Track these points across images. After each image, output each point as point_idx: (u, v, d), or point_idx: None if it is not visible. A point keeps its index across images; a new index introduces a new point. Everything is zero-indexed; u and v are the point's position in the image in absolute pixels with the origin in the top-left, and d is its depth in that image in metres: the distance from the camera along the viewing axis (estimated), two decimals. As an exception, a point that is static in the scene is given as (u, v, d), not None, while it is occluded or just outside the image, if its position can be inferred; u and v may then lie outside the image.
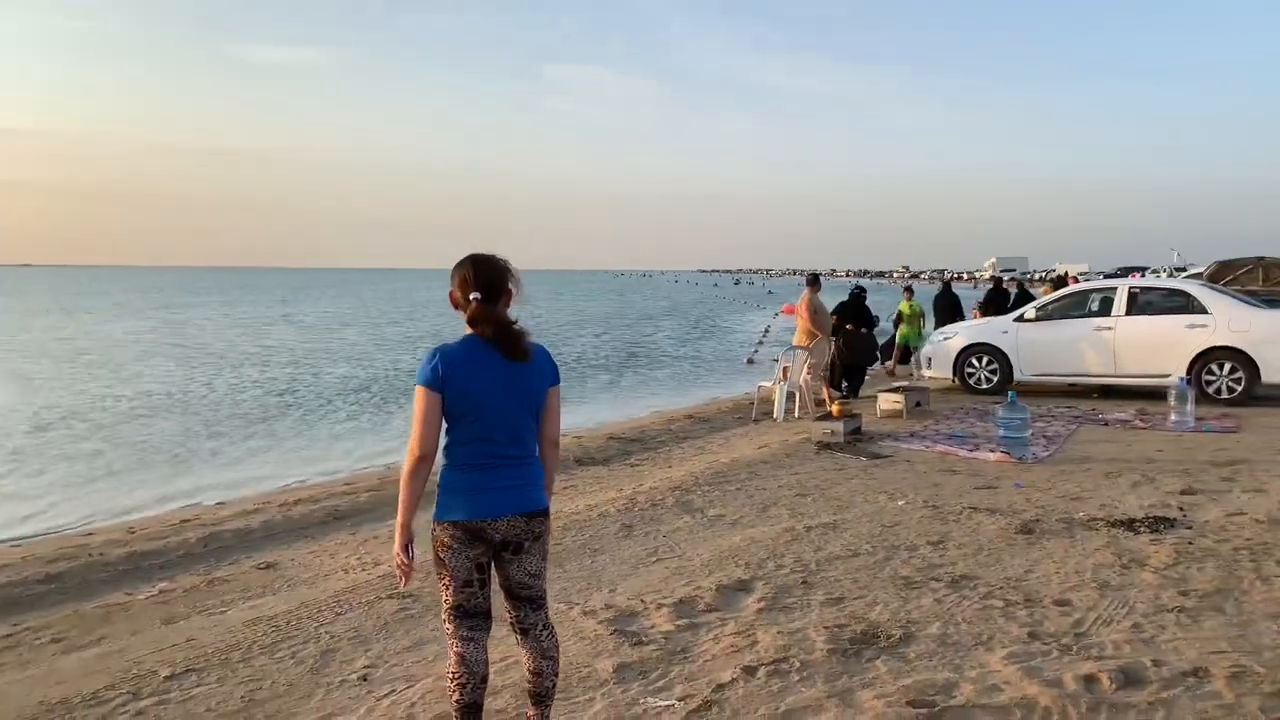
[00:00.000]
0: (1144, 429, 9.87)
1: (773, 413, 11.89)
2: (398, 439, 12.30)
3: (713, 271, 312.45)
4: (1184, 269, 18.75)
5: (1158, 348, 11.55)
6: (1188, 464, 7.76)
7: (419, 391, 2.63)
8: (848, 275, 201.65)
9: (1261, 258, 16.25)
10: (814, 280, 13.19)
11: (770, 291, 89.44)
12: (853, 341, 13.08)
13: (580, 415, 14.59)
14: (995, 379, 12.64)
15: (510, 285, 2.77)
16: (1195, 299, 11.56)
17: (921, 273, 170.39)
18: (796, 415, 11.64)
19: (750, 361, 22.26)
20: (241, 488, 9.49)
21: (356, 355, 24.08)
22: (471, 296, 2.68)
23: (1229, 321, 11.19)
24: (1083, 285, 13.43)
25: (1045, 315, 12.57)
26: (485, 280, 2.71)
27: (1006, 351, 12.57)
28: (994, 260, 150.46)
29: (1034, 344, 12.39)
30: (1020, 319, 12.70)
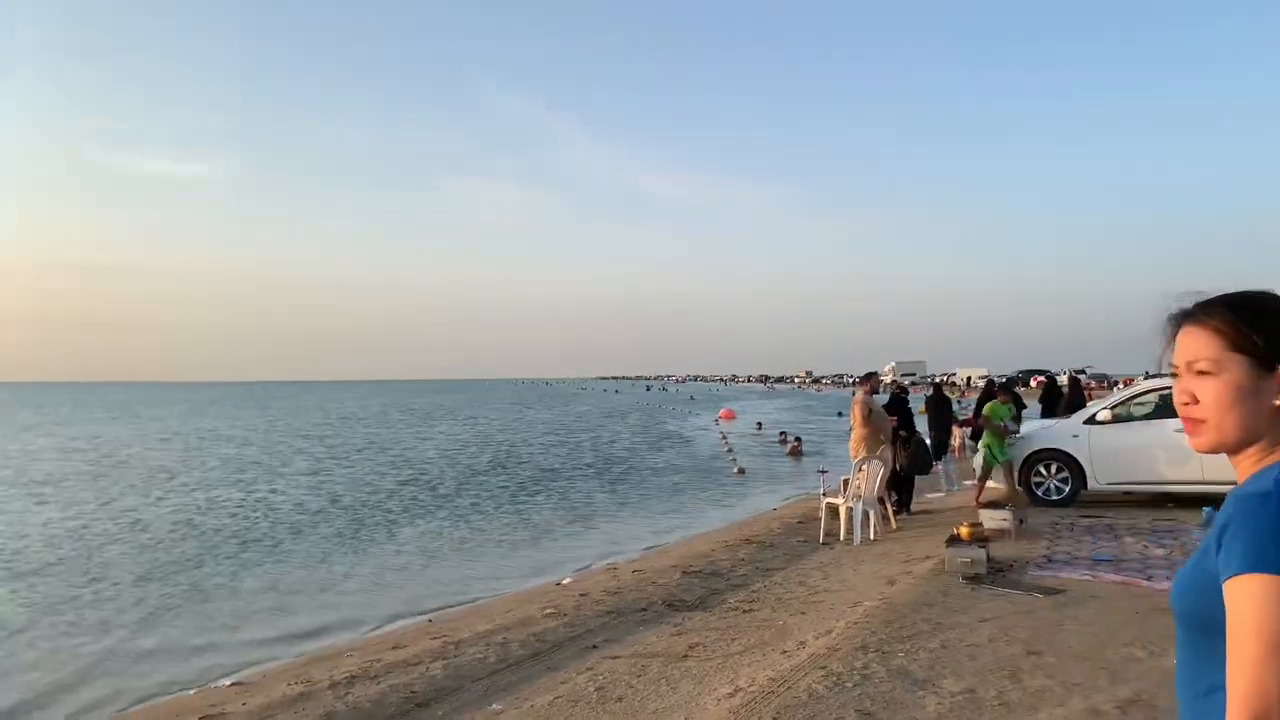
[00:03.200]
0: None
1: (840, 534, 10.50)
2: (398, 575, 10.48)
3: (614, 379, 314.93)
4: None
5: (1250, 450, 10.64)
6: None
7: (1273, 587, 1.15)
8: (749, 380, 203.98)
9: None
10: (868, 379, 12.03)
11: (692, 397, 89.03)
12: (913, 449, 11.88)
13: (615, 535, 13.02)
14: (1066, 489, 11.54)
15: None
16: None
17: (823, 378, 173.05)
18: (873, 537, 10.29)
19: (741, 471, 20.93)
20: (243, 653, 7.60)
21: (302, 472, 21.86)
22: None
23: None
24: (1155, 383, 12.53)
25: (1119, 417, 11.61)
26: None
27: (1079, 458, 11.50)
28: (893, 364, 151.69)
29: (1110, 449, 11.35)
30: (1092, 421, 11.70)
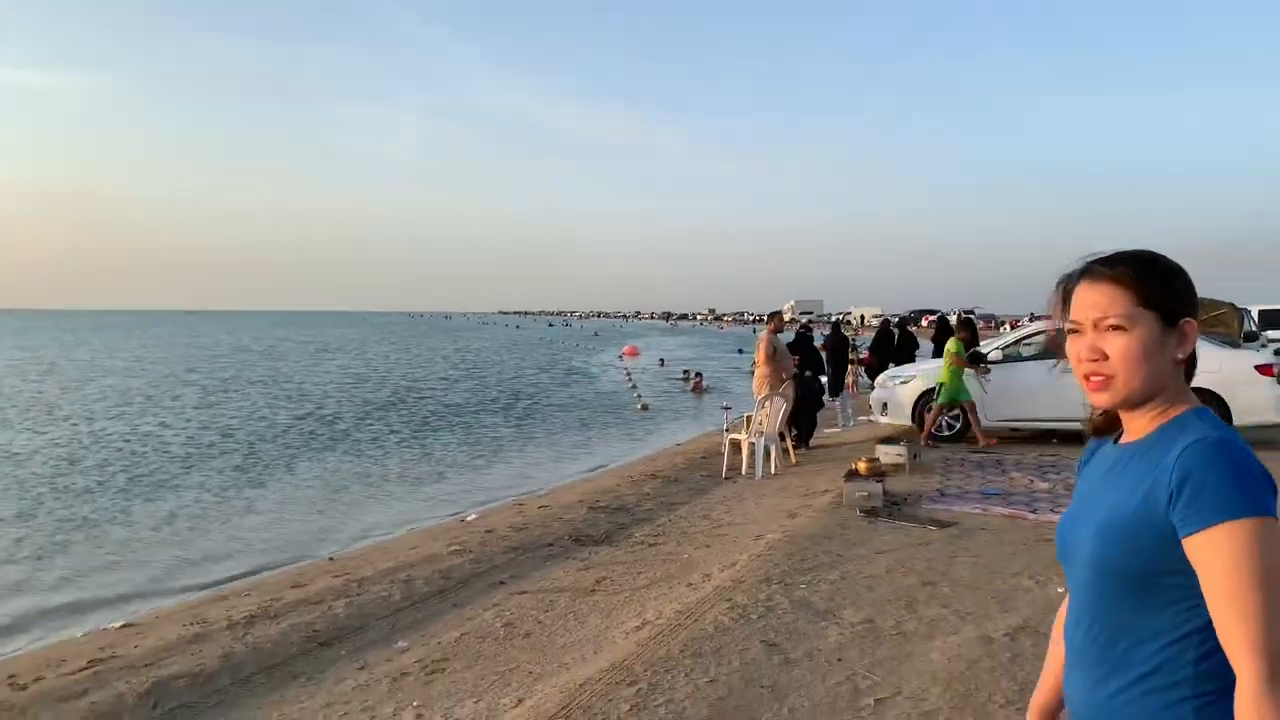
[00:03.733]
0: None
1: (742, 468, 10.70)
2: (297, 511, 10.25)
3: (516, 314, 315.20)
4: None
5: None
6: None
7: (1258, 527, 1.15)
8: (652, 317, 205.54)
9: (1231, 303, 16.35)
10: (773, 318, 12.18)
11: (596, 334, 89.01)
12: (804, 385, 12.14)
13: (522, 471, 12.99)
14: (958, 425, 11.99)
15: None
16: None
17: (725, 315, 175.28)
18: (774, 472, 10.52)
19: (645, 407, 21.09)
20: (134, 593, 7.34)
21: (173, 406, 21.09)
22: None
23: (1196, 361, 10.93)
24: (1043, 324, 13.02)
25: (1010, 357, 12.07)
26: None
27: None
28: (792, 303, 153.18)
29: (1000, 387, 11.81)
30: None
